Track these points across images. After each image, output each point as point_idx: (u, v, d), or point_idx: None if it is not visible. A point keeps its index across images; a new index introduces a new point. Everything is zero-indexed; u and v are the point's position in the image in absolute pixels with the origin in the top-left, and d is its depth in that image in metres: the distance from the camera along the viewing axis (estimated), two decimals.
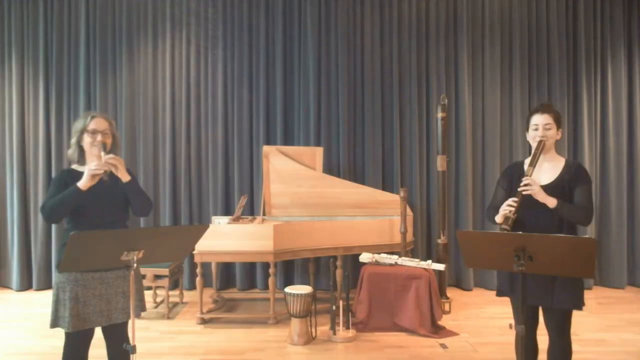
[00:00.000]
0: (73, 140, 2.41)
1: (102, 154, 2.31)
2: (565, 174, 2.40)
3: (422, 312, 3.91)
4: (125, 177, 2.35)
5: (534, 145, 2.42)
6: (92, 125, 2.36)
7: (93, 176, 2.25)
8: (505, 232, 2.22)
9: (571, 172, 2.39)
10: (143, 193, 2.46)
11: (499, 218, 2.36)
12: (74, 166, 2.44)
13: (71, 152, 2.42)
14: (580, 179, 2.37)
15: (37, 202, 5.31)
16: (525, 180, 2.31)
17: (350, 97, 5.38)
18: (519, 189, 2.31)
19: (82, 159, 2.41)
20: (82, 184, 2.24)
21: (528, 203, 2.34)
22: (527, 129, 2.50)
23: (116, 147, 2.47)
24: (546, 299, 2.33)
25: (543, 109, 2.44)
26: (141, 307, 2.49)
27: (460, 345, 3.72)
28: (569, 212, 2.31)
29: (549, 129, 2.40)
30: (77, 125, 2.40)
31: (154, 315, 4.44)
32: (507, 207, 2.30)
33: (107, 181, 2.24)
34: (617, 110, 5.44)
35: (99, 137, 2.35)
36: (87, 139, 2.36)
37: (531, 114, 2.47)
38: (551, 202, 2.29)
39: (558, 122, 2.43)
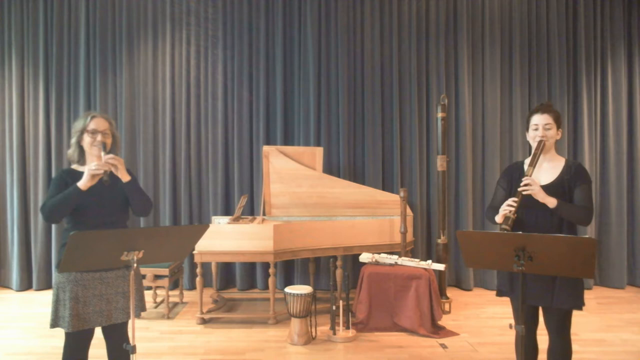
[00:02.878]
0: (73, 140, 2.41)
1: (102, 153, 2.31)
2: (565, 174, 2.40)
3: (422, 312, 3.91)
4: (125, 177, 2.35)
5: (534, 145, 2.42)
6: (92, 125, 2.36)
7: (93, 176, 2.25)
8: (505, 232, 2.22)
9: (571, 172, 2.39)
10: (143, 193, 2.46)
11: (498, 218, 2.36)
12: (74, 166, 2.44)
13: (71, 152, 2.42)
14: (580, 179, 2.37)
15: (37, 202, 5.31)
16: (525, 180, 2.32)
17: (350, 97, 5.38)
18: (519, 189, 2.32)
19: (82, 158, 2.41)
20: (82, 183, 2.24)
21: (528, 203, 2.34)
22: (527, 129, 2.50)
23: (116, 146, 2.48)
24: (546, 299, 2.33)
25: (543, 109, 2.44)
26: (141, 307, 2.48)
27: (460, 345, 3.72)
28: (569, 212, 2.31)
29: (549, 128, 2.40)
30: (77, 125, 2.40)
31: (154, 315, 4.44)
32: (507, 207, 2.31)
33: (108, 181, 2.24)
34: (617, 110, 5.44)
35: (99, 137, 2.35)
36: (87, 139, 2.36)
37: (531, 114, 2.48)
38: (551, 202, 2.29)
39: (558, 122, 2.43)
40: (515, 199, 2.31)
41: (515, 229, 2.38)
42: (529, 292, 2.32)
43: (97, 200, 2.30)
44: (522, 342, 2.15)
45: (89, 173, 2.24)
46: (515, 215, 2.29)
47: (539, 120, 2.42)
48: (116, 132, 2.48)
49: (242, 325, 4.17)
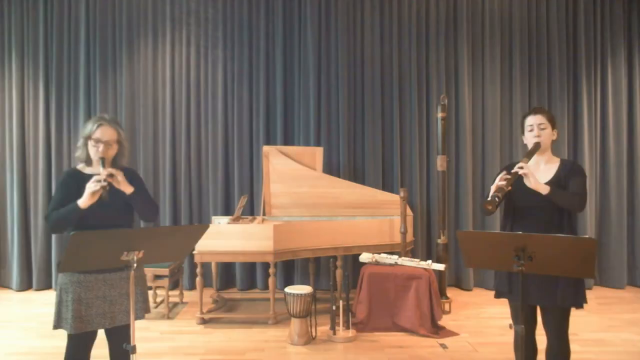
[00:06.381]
0: (79, 144, 2.40)
1: (101, 169, 2.29)
2: (561, 172, 2.43)
3: (422, 312, 3.91)
4: (127, 190, 2.34)
5: (530, 147, 2.46)
6: (96, 134, 2.34)
7: (92, 194, 2.22)
8: (497, 199, 2.23)
9: (567, 169, 2.43)
10: (148, 202, 2.44)
11: (493, 187, 2.35)
12: (80, 166, 2.43)
13: (79, 153, 2.42)
14: (575, 173, 2.41)
15: (37, 202, 5.31)
16: (520, 164, 2.34)
17: (350, 97, 5.38)
18: (514, 169, 2.33)
19: (89, 159, 2.41)
20: (82, 202, 2.23)
21: (529, 202, 2.36)
22: (523, 132, 2.53)
23: (122, 156, 2.44)
24: (548, 297, 2.33)
25: (535, 110, 2.50)
26: (145, 308, 2.46)
27: (460, 345, 3.72)
28: (561, 197, 2.31)
29: (543, 128, 2.44)
30: (85, 130, 2.38)
31: (154, 315, 4.44)
32: (501, 182, 2.31)
33: (107, 197, 2.22)
34: (617, 110, 5.44)
35: (100, 148, 2.33)
36: (91, 147, 2.35)
37: (524, 116, 2.55)
38: (543, 188, 2.30)
39: (552, 122, 2.47)
40: (509, 176, 2.31)
41: (515, 227, 2.41)
42: (530, 292, 2.33)
43: (100, 205, 2.27)
44: (521, 342, 2.14)
45: (88, 192, 2.22)
46: (510, 188, 2.29)
47: (533, 120, 2.46)
48: (124, 141, 2.44)
49: (242, 325, 4.17)
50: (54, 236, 5.27)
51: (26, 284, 5.35)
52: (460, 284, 5.40)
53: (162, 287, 4.54)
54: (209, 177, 5.38)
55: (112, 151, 2.39)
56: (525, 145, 2.55)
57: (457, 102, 5.38)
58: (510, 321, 2.34)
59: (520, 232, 2.06)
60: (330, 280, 3.98)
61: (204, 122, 5.42)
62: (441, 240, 4.71)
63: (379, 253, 4.31)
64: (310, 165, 4.83)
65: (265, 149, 4.77)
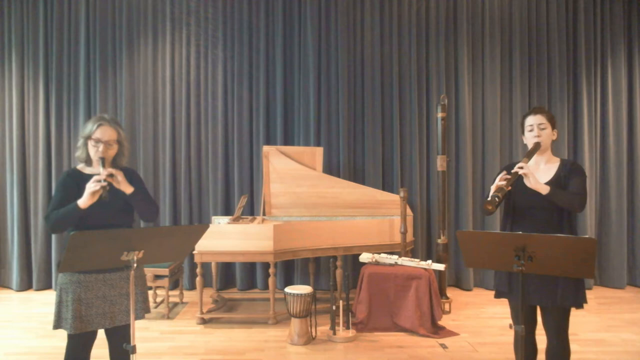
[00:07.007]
0: (79, 144, 2.41)
1: (101, 169, 2.29)
2: (561, 172, 2.43)
3: (422, 312, 3.91)
4: (127, 189, 2.34)
5: (530, 147, 2.46)
6: (97, 134, 2.34)
7: (92, 194, 2.22)
8: (497, 199, 2.23)
9: (567, 169, 2.43)
10: (148, 202, 2.43)
11: (493, 187, 2.35)
12: (80, 166, 2.43)
13: (79, 153, 2.42)
14: (574, 173, 2.41)
15: (37, 202, 5.31)
16: (520, 164, 2.34)
17: (350, 97, 5.38)
18: (515, 169, 2.33)
19: (89, 159, 2.41)
20: (82, 202, 2.23)
21: (529, 202, 2.36)
22: (523, 132, 2.53)
23: (122, 156, 2.45)
24: (548, 297, 2.33)
25: (535, 110, 2.49)
26: (145, 308, 2.46)
27: (460, 345, 3.72)
28: (561, 197, 2.30)
29: (543, 128, 2.44)
30: (85, 130, 2.38)
31: (154, 315, 4.44)
32: (501, 182, 2.31)
33: (107, 197, 2.22)
34: (617, 110, 5.44)
35: (100, 148, 2.33)
36: (91, 147, 2.36)
37: (524, 116, 2.54)
38: (543, 188, 2.30)
39: (552, 122, 2.47)
40: (509, 176, 2.32)
41: (515, 227, 2.41)
42: (530, 292, 2.33)
43: (100, 205, 2.27)
44: (521, 342, 2.14)
45: (88, 192, 2.22)
46: (509, 188, 2.29)
47: (533, 120, 2.46)
48: (124, 141, 2.45)
49: (242, 325, 4.17)
50: (54, 236, 5.27)
51: (26, 284, 5.35)
52: (460, 284, 5.40)
53: (162, 287, 4.54)
54: (209, 177, 5.38)
55: (112, 151, 2.39)
56: (525, 145, 2.55)
57: (457, 102, 5.39)
58: (510, 321, 2.34)
59: (520, 232, 2.06)
60: (330, 280, 3.98)
61: (204, 122, 5.42)
62: (441, 240, 4.71)
63: (379, 253, 4.31)
64: (310, 165, 4.83)
65: (265, 149, 4.77)
